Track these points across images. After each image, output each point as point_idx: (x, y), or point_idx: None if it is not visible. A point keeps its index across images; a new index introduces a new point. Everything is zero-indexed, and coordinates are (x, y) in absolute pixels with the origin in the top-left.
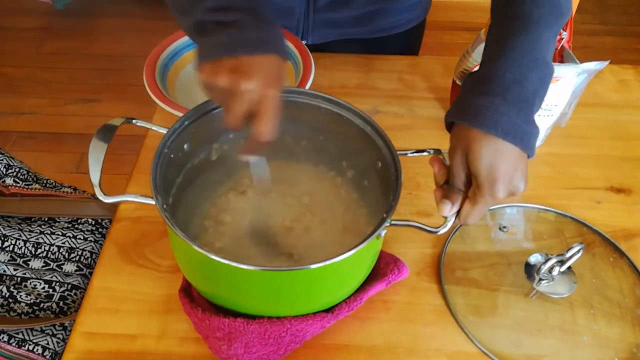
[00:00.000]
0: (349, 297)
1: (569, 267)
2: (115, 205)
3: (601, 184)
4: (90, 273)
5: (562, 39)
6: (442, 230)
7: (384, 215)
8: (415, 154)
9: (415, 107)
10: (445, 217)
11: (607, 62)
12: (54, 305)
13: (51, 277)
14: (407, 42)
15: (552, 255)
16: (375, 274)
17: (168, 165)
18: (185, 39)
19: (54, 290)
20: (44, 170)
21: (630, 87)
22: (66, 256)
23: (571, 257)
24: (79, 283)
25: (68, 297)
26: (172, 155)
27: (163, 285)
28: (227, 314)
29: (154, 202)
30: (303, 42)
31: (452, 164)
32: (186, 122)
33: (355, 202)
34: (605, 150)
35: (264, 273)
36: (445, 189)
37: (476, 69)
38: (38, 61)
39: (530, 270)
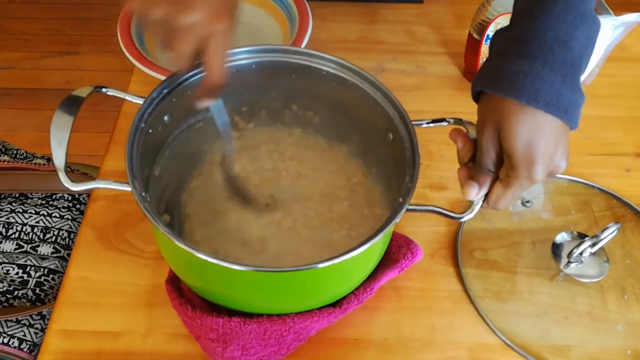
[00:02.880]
0: (357, 288)
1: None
2: (91, 178)
3: (630, 150)
4: (69, 255)
5: None
6: (468, 217)
7: (400, 199)
8: (431, 124)
9: (425, 64)
10: (471, 201)
11: None
12: (30, 293)
13: (25, 261)
14: None
15: (578, 232)
16: (387, 260)
17: (146, 141)
18: None
19: (29, 275)
20: (24, 129)
21: None
22: (41, 237)
23: (605, 238)
24: (57, 267)
25: (45, 282)
26: (150, 130)
27: (148, 274)
28: (221, 312)
29: (130, 189)
30: None
31: (480, 141)
32: (165, 91)
33: (360, 176)
34: (634, 111)
35: (259, 274)
36: (472, 168)
37: (499, 21)
38: (10, 11)
39: (557, 251)
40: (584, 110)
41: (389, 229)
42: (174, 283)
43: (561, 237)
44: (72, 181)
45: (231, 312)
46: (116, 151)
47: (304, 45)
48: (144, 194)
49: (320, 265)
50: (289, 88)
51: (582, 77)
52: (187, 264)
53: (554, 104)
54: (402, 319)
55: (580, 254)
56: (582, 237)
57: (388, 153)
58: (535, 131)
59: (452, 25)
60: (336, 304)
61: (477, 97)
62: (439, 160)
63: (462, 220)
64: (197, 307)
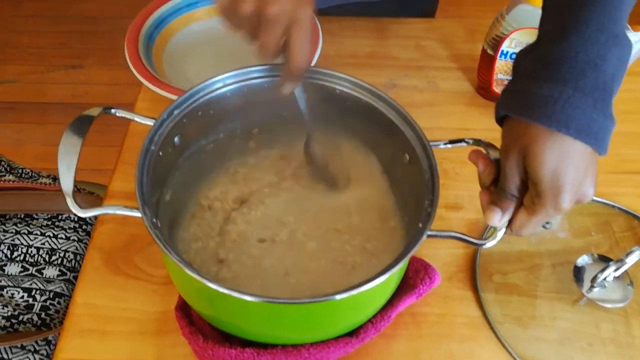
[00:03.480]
0: (374, 316)
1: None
2: (101, 200)
3: None
4: (75, 277)
5: None
6: (490, 244)
7: (420, 225)
8: (449, 145)
9: (436, 79)
10: (494, 227)
11: None
12: (35, 317)
13: (30, 285)
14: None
15: (599, 255)
16: (404, 285)
17: (157, 164)
18: (171, 4)
19: (35, 299)
20: (28, 144)
21: None
22: (47, 259)
23: (630, 262)
24: (63, 290)
25: (51, 307)
26: (160, 153)
27: (157, 300)
28: (233, 342)
29: (140, 215)
30: None
31: (505, 166)
32: (175, 112)
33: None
34: None
35: (272, 305)
36: (494, 193)
37: (514, 37)
38: (15, 24)
39: (578, 274)
40: None
41: (408, 257)
42: (184, 310)
43: (582, 260)
44: (80, 206)
45: (244, 342)
46: (124, 171)
47: (315, 61)
48: (154, 220)
49: (338, 297)
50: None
51: None
52: (198, 292)
53: (585, 131)
54: (420, 346)
55: (604, 278)
56: (603, 259)
57: (404, 174)
58: (563, 158)
59: (463, 40)
60: (353, 333)
61: (501, 120)
62: (454, 179)
63: (485, 247)
64: (208, 337)
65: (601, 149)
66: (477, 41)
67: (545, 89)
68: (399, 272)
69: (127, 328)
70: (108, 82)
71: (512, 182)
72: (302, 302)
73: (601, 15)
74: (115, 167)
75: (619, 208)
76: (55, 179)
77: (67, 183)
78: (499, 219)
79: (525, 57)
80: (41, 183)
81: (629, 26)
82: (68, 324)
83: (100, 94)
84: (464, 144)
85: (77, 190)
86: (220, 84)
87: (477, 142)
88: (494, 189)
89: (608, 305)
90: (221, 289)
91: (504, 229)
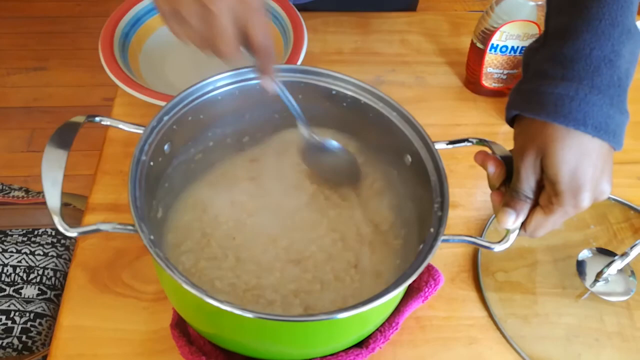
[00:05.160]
0: (382, 325)
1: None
2: (79, 211)
3: None
4: (56, 296)
5: None
6: (504, 246)
7: (432, 230)
8: (451, 146)
9: (424, 75)
10: (507, 229)
11: None
12: (16, 341)
13: (8, 306)
14: None
15: (598, 248)
16: (409, 290)
17: (148, 175)
18: (146, 2)
19: (14, 322)
20: None
21: None
22: (24, 278)
23: (633, 254)
24: (44, 310)
25: (32, 328)
26: (151, 163)
27: (148, 318)
28: None
29: (135, 231)
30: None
31: (520, 167)
32: (165, 118)
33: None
34: None
35: (276, 323)
36: (507, 194)
37: (505, 29)
38: None
39: (580, 269)
40: None
41: (425, 265)
42: (181, 328)
43: (583, 254)
44: (68, 224)
45: None
46: (104, 182)
47: (300, 60)
48: (152, 237)
49: (339, 316)
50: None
51: None
52: (197, 308)
53: (603, 128)
54: (428, 352)
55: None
56: (603, 252)
57: (405, 176)
58: (582, 157)
59: (449, 33)
60: (362, 343)
61: (511, 120)
62: (449, 176)
63: (499, 250)
64: (209, 356)
65: (617, 145)
66: (462, 34)
67: (560, 87)
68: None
69: (118, 350)
70: (72, 84)
71: (527, 183)
72: (304, 321)
73: (614, 9)
74: (95, 177)
75: (614, 199)
76: (28, 191)
77: (53, 201)
78: (513, 221)
79: (535, 56)
80: (13, 197)
81: None
82: (54, 349)
83: (64, 97)
84: (468, 144)
85: None
86: (210, 87)
87: (482, 141)
88: (505, 190)
89: (612, 299)
90: (224, 307)
91: (517, 231)
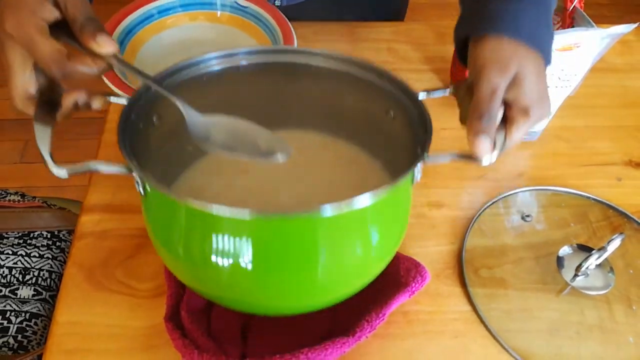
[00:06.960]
0: (369, 314)
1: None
2: (74, 215)
3: (619, 159)
4: (51, 297)
5: None
6: (488, 162)
7: (419, 149)
8: (428, 96)
9: (410, 81)
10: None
11: (634, 25)
12: (11, 341)
13: (4, 306)
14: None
15: (578, 244)
16: (396, 283)
17: (138, 137)
18: (139, 12)
19: (10, 322)
20: None
21: (633, 49)
22: (20, 279)
23: (611, 249)
24: (39, 310)
25: (27, 328)
26: (141, 125)
27: (143, 314)
28: (230, 354)
29: (126, 171)
30: (275, 3)
31: (485, 88)
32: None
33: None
34: (619, 120)
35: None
36: (476, 122)
37: None
38: None
39: (561, 264)
40: (572, 121)
41: (408, 175)
42: (175, 321)
43: (564, 250)
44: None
45: (241, 354)
46: (100, 183)
47: None
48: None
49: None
50: (276, 89)
51: (571, 91)
52: (178, 228)
53: (544, 43)
54: (414, 345)
55: (587, 266)
56: (583, 248)
57: (390, 132)
58: (540, 70)
59: (434, 42)
60: (349, 332)
61: (462, 45)
62: (434, 177)
63: (484, 164)
64: (203, 348)
65: (548, 60)
66: (446, 43)
67: (506, 3)
68: (402, 207)
69: (113, 346)
70: None
71: (495, 102)
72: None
73: None
74: (90, 179)
75: (594, 199)
76: (24, 195)
77: (43, 146)
78: (489, 146)
79: None
80: (9, 200)
81: (592, 23)
82: (51, 344)
83: None
84: (445, 93)
85: (48, 206)
86: (202, 65)
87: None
88: (474, 119)
89: (591, 293)
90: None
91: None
